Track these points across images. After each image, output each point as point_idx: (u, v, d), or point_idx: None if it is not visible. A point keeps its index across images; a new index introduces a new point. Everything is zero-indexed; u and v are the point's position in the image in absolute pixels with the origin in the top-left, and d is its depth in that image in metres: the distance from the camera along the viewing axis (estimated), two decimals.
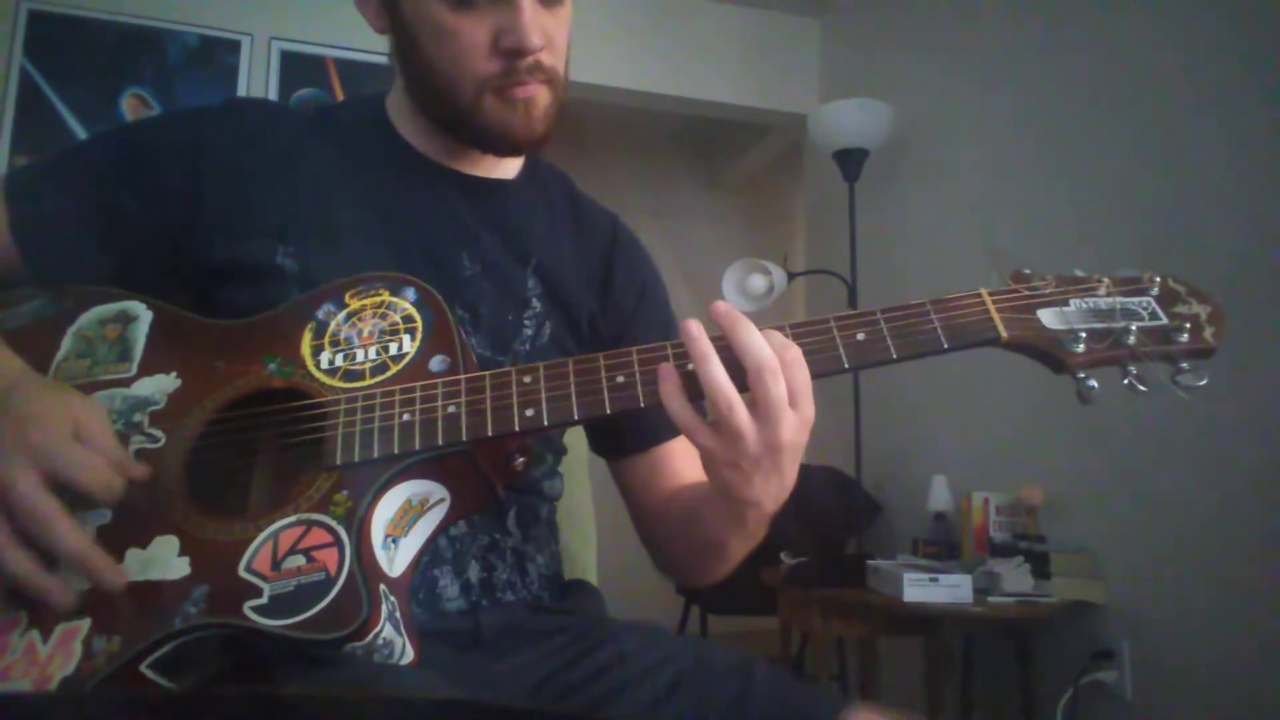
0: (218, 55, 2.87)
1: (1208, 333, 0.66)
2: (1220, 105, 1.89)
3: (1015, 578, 2.03)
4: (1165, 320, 0.67)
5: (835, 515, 2.79)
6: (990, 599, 1.99)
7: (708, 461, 0.66)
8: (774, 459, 0.64)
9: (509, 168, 0.91)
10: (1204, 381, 0.65)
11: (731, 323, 0.63)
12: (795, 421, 0.63)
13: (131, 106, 2.76)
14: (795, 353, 0.63)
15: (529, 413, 0.65)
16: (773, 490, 0.67)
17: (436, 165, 0.87)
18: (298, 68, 2.94)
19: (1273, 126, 1.77)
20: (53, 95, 2.69)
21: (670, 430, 0.90)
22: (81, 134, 2.68)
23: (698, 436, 0.64)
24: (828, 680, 2.36)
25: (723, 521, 0.74)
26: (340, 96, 2.94)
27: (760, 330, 0.64)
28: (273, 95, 2.89)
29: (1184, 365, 0.66)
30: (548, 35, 0.77)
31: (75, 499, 0.62)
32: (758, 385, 0.62)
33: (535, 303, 0.86)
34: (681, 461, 0.91)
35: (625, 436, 0.92)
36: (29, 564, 0.59)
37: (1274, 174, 1.76)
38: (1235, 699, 1.76)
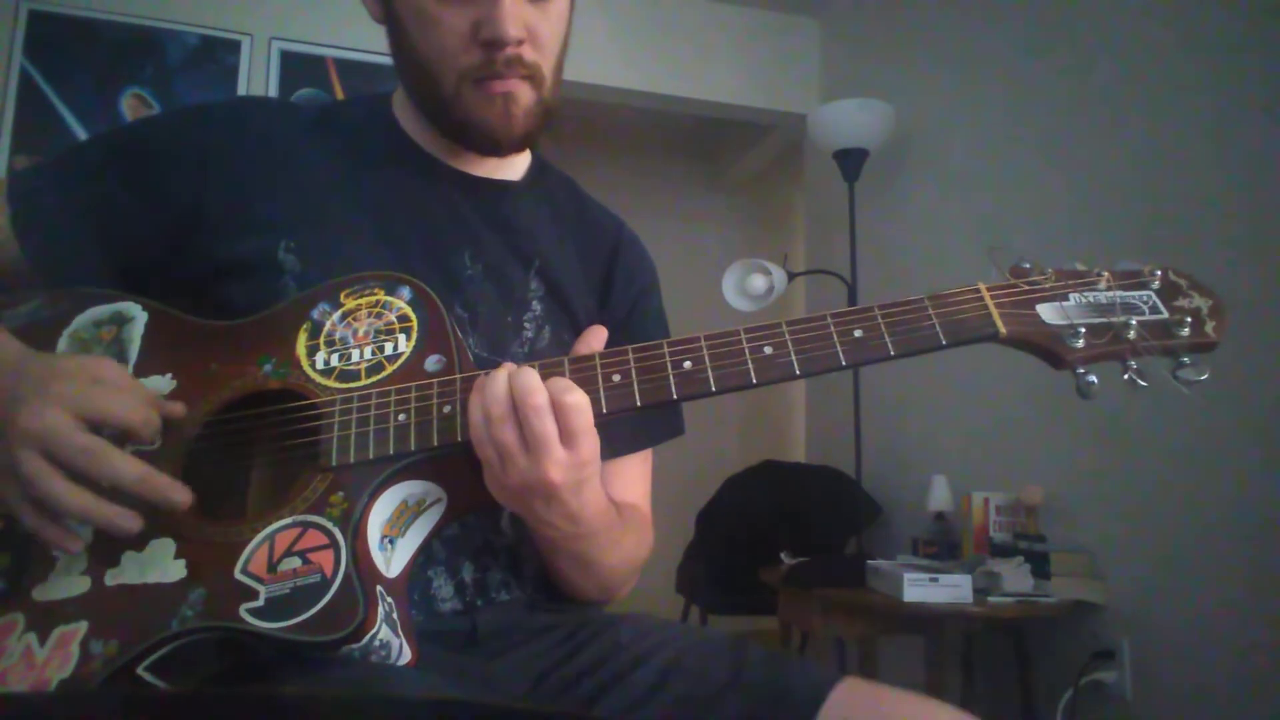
0: (218, 55, 2.87)
1: (1209, 327, 0.65)
2: (1219, 104, 1.89)
3: (1015, 578, 2.03)
4: (1166, 314, 0.66)
5: (835, 515, 2.79)
6: (990, 599, 1.99)
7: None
8: (547, 491, 0.64)
9: (514, 169, 0.90)
10: (1205, 376, 0.64)
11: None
12: (565, 459, 0.63)
13: (131, 106, 2.75)
14: (576, 397, 0.63)
15: None
16: (557, 515, 0.67)
17: (441, 165, 0.86)
18: (298, 68, 2.94)
19: (1270, 124, 1.77)
20: (53, 95, 2.68)
21: (623, 447, 0.89)
22: (81, 134, 2.68)
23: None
24: None
25: (538, 537, 0.75)
26: (340, 96, 2.94)
27: (550, 374, 0.65)
28: (273, 95, 2.89)
29: (1185, 360, 0.65)
30: (530, 29, 0.76)
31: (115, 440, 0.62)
32: (520, 420, 0.63)
33: (536, 305, 0.85)
34: (619, 483, 0.88)
35: None
36: (88, 497, 0.60)
37: (1272, 171, 1.76)
38: (1235, 699, 1.75)
